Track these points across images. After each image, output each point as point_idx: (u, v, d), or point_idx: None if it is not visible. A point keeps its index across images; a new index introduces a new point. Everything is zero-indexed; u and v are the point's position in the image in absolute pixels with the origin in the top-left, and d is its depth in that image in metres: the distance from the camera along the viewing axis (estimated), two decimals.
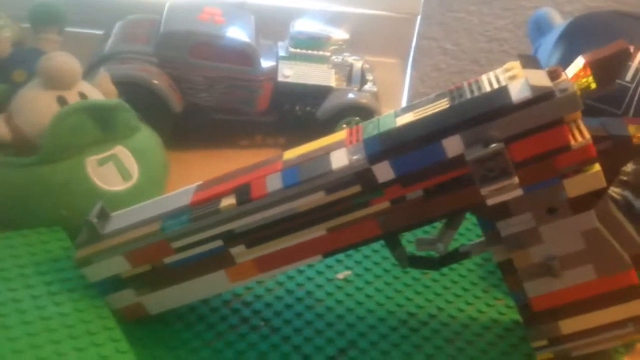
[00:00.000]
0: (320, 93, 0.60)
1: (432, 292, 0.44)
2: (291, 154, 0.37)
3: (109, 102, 0.47)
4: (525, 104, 0.32)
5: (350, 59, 0.64)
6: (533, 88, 0.32)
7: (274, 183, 0.36)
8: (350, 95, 0.60)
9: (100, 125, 0.46)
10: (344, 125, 0.59)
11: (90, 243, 0.38)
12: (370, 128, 0.36)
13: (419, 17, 0.73)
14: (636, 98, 0.52)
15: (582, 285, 0.35)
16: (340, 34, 0.62)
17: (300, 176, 0.35)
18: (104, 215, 0.39)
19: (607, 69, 0.33)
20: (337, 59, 0.63)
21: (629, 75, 0.52)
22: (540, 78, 0.32)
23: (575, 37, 0.57)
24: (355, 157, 0.34)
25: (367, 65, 0.65)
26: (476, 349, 0.40)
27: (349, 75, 0.63)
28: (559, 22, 0.61)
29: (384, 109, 0.60)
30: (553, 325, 0.37)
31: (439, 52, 0.76)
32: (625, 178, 0.43)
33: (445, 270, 0.45)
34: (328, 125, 0.59)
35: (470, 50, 0.77)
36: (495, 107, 0.32)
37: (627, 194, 0.42)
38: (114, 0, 0.65)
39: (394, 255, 0.38)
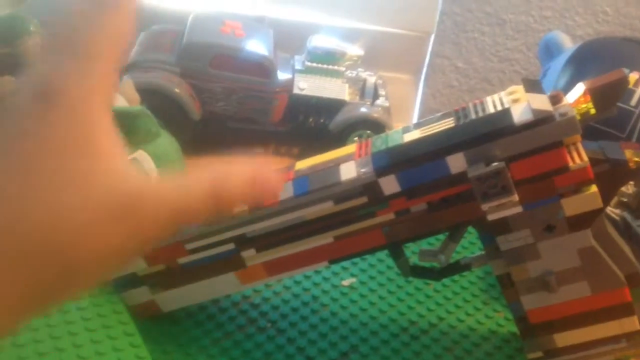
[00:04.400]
0: (333, 106, 0.62)
1: (434, 302, 0.45)
2: (303, 164, 0.39)
3: (132, 108, 0.49)
4: (527, 126, 0.33)
5: (364, 74, 0.65)
6: (534, 111, 0.34)
7: (285, 191, 0.37)
8: (363, 109, 0.61)
9: (123, 131, 0.47)
10: (356, 139, 0.61)
11: None
12: (378, 143, 0.37)
13: (432, 36, 0.75)
14: None
15: (577, 301, 0.37)
16: (355, 50, 0.64)
17: (310, 186, 0.37)
18: None
19: (605, 96, 0.35)
20: (351, 73, 0.65)
21: (634, 100, 0.54)
22: (541, 102, 0.34)
23: (583, 61, 0.58)
24: (363, 170, 0.36)
25: (380, 81, 0.66)
26: (474, 358, 0.41)
27: (362, 90, 0.64)
28: (569, 45, 0.62)
29: (395, 123, 0.62)
30: (548, 338, 0.38)
31: (451, 70, 0.78)
32: (625, 200, 0.45)
33: (447, 281, 0.47)
34: (340, 138, 0.61)
35: (482, 70, 0.78)
36: (498, 127, 0.34)
37: (626, 215, 0.44)
38: (139, 11, 0.67)
39: (397, 264, 0.39)
